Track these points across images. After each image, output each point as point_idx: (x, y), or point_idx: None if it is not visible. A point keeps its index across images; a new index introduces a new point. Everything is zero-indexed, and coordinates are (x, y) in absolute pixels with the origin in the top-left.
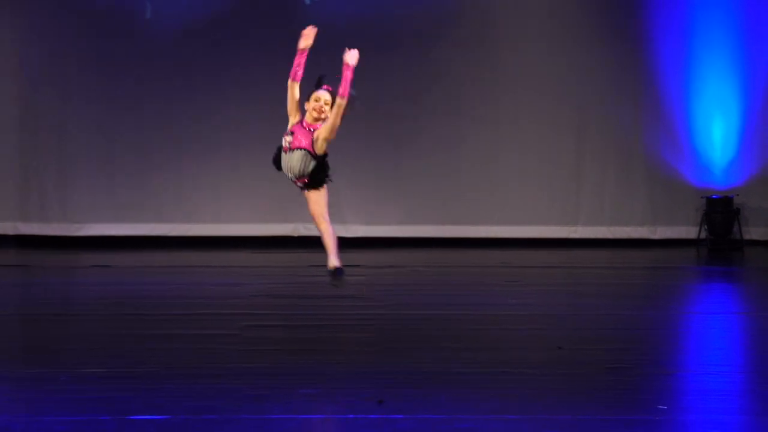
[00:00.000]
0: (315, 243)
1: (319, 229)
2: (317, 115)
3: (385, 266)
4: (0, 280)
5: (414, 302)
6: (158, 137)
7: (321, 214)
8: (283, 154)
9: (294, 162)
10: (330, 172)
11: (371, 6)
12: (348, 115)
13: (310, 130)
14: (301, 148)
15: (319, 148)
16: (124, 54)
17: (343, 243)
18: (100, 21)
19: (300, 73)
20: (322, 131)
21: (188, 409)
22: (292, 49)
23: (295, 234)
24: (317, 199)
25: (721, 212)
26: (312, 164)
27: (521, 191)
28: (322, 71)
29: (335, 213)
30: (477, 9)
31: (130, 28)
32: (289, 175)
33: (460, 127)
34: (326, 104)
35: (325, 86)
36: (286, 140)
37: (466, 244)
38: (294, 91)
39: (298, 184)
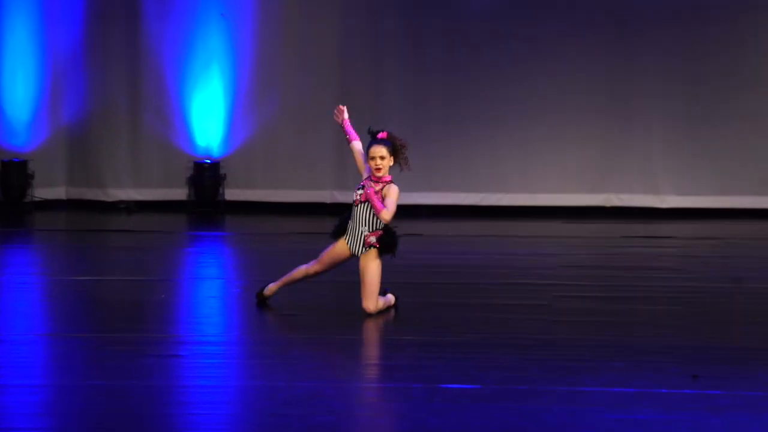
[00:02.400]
0: (628, 213)
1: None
2: (377, 173)
3: (697, 238)
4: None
5: (726, 276)
6: (470, 108)
7: (375, 292)
8: (354, 207)
9: (367, 214)
10: (397, 248)
11: None
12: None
13: (378, 182)
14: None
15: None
16: (434, 28)
17: (656, 214)
18: None
19: (351, 135)
20: (389, 205)
21: (497, 379)
22: (590, 30)
23: (608, 204)
24: (376, 271)
25: None
26: (381, 222)
27: None
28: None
29: (650, 181)
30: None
31: (441, 4)
32: (362, 228)
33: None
34: (381, 159)
35: (379, 135)
36: (357, 193)
37: None
38: (355, 152)
39: (370, 240)
